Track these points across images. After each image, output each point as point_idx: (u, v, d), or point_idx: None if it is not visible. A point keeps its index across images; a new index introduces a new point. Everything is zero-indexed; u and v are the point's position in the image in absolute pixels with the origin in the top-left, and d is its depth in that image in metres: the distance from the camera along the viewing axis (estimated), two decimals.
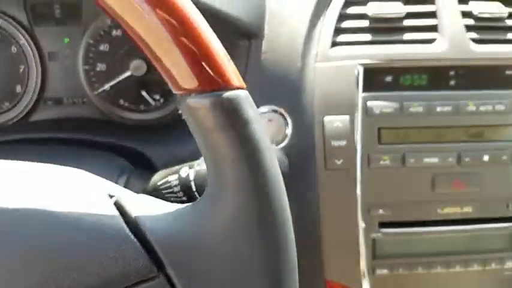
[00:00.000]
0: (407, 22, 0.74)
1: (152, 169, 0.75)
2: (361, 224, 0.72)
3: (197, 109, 0.32)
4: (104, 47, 0.88)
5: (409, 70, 0.73)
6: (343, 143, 0.72)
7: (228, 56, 0.34)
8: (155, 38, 0.30)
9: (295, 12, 0.74)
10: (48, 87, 0.94)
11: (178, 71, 0.31)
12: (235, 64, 0.78)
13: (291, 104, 0.73)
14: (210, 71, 0.31)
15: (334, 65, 0.73)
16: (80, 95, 0.94)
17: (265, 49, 0.74)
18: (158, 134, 0.86)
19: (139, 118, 0.95)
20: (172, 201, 0.57)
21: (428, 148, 0.72)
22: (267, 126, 0.77)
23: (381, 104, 0.72)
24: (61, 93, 0.95)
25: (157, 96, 0.95)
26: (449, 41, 0.72)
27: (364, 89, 0.72)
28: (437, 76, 0.73)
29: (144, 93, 0.93)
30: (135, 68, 0.91)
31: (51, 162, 0.70)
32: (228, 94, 0.32)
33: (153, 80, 0.94)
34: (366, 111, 0.71)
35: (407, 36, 0.74)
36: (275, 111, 0.77)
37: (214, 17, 0.73)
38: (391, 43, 0.74)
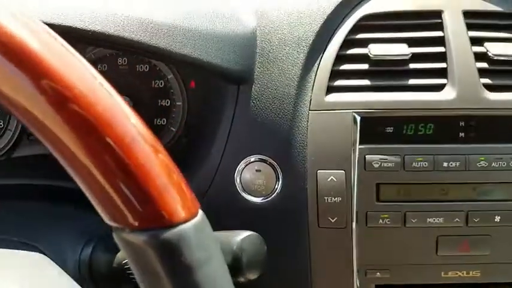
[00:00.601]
0: (412, 65, 0.67)
1: None
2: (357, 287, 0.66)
3: (135, 246, 0.26)
4: None
5: (413, 120, 0.66)
6: (337, 199, 0.65)
7: (175, 172, 0.28)
8: (70, 154, 0.24)
9: (288, 54, 0.68)
10: None
11: (103, 203, 0.25)
12: (223, 110, 0.74)
13: (282, 155, 0.66)
14: (143, 203, 0.25)
15: (330, 114, 0.66)
16: None
17: (254, 94, 0.68)
18: None
19: None
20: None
21: (433, 207, 0.65)
22: (255, 177, 0.71)
23: (380, 158, 0.65)
24: None
25: None
26: (460, 87, 0.65)
27: (362, 141, 0.65)
28: (445, 127, 0.66)
29: None
30: None
31: (20, 220, 0.65)
32: (170, 233, 0.26)
33: (144, 119, 0.88)
34: (364, 165, 0.65)
35: (412, 81, 0.67)
36: (264, 160, 0.70)
37: (200, 68, 0.67)
38: (393, 89, 0.66)
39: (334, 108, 0.66)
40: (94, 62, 0.85)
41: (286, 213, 0.67)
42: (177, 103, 0.87)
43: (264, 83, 0.68)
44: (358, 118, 0.65)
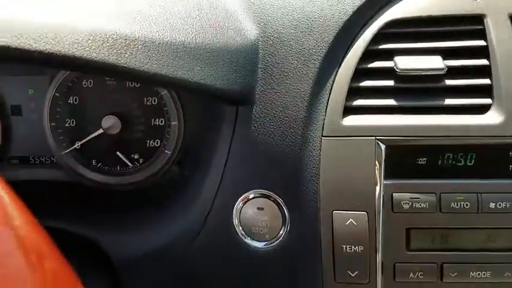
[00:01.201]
0: (449, 82, 0.55)
1: (107, 270, 0.60)
2: None
3: None
4: (72, 100, 0.77)
5: (451, 149, 0.54)
6: (359, 248, 0.54)
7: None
8: None
9: (297, 69, 0.56)
10: (12, 144, 0.82)
11: None
12: (219, 134, 0.63)
13: (289, 190, 0.56)
14: None
15: (347, 141, 0.55)
16: (48, 153, 0.81)
17: (256, 116, 0.57)
18: (129, 208, 0.70)
19: (114, 182, 0.80)
20: None
21: (477, 257, 0.53)
22: (256, 217, 0.60)
23: (411, 197, 0.53)
24: (27, 152, 0.83)
25: (135, 156, 0.81)
26: (508, 108, 0.52)
27: (388, 175, 0.54)
28: (491, 158, 0.54)
29: (119, 153, 0.79)
30: (108, 125, 0.76)
31: None
32: None
33: (131, 138, 0.79)
34: (391, 206, 0.53)
35: (449, 101, 0.55)
36: (267, 196, 0.58)
37: (189, 90, 0.56)
38: (425, 111, 0.54)
39: (352, 134, 0.54)
40: (78, 78, 0.76)
41: (295, 263, 0.56)
42: (173, 123, 0.76)
43: (267, 104, 0.56)
44: (383, 147, 0.53)
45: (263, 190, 0.57)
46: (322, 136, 0.55)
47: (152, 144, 0.78)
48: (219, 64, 0.54)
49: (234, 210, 0.58)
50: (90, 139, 0.77)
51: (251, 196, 0.57)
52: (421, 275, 0.53)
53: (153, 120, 0.77)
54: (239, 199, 0.58)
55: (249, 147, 0.58)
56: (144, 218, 0.64)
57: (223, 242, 0.59)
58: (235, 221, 0.59)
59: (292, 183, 0.55)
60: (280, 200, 0.57)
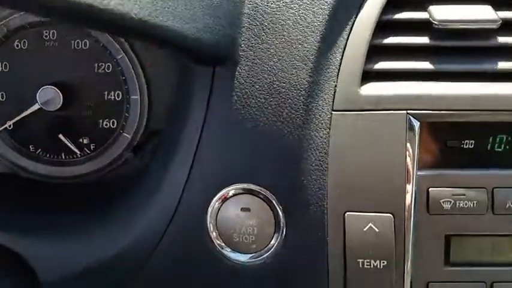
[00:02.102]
0: (503, 39, 0.43)
1: None
2: None
3: None
4: (1, 67, 0.62)
5: (508, 129, 0.43)
6: (381, 263, 0.40)
7: None
8: None
9: (297, 17, 0.43)
10: None
11: None
12: (189, 107, 0.48)
13: (284, 185, 0.44)
14: None
15: (367, 116, 0.41)
16: None
17: (239, 82, 0.43)
18: (73, 212, 0.55)
19: (56, 174, 0.65)
20: None
21: None
22: (240, 221, 0.45)
23: (453, 194, 0.40)
24: None
25: (84, 141, 0.65)
26: None
27: (424, 164, 0.43)
28: None
29: (62, 137, 0.63)
30: (45, 98, 0.60)
31: None
32: None
33: (78, 117, 0.64)
34: (427, 205, 0.42)
35: (503, 65, 0.43)
36: (254, 193, 0.43)
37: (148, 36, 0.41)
38: (472, 78, 0.43)
39: (374, 106, 0.43)
40: (7, 37, 0.60)
41: (292, 285, 0.44)
42: (133, 97, 0.61)
43: (255, 64, 0.43)
44: (417, 124, 0.40)
45: (248, 184, 0.43)
46: (333, 110, 0.42)
47: (106, 125, 0.62)
48: (192, 6, 0.39)
49: (209, 211, 0.43)
50: (24, 117, 0.61)
51: (232, 193, 0.43)
52: None
53: (106, 94, 0.61)
54: (216, 197, 0.43)
55: (229, 125, 0.43)
56: (86, 223, 0.49)
57: (192, 255, 0.44)
58: (210, 227, 0.43)
59: (289, 175, 0.43)
60: (272, 198, 0.42)
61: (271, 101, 0.43)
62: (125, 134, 0.62)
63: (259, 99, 0.43)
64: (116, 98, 0.62)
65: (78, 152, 0.63)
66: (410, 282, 0.42)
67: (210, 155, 0.43)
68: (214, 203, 0.44)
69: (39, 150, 0.64)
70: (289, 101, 0.43)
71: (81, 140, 0.64)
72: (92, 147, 0.64)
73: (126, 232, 0.47)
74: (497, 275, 0.42)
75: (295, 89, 0.42)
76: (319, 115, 0.43)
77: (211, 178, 0.43)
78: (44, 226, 0.50)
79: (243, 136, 0.43)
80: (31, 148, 0.64)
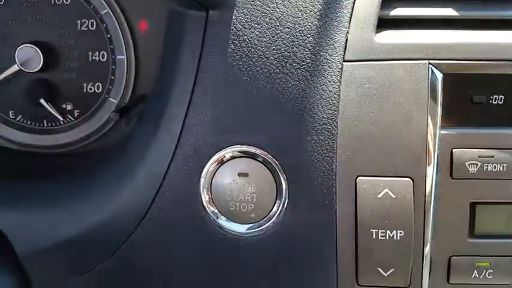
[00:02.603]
0: None
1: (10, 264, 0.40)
2: None
3: None
4: None
5: None
6: (397, 233, 0.35)
7: None
8: None
9: None
10: None
11: None
12: (179, 58, 0.42)
13: (288, 146, 0.39)
14: None
15: (383, 68, 0.36)
16: None
17: (236, 28, 0.37)
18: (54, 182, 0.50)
19: (38, 143, 0.60)
20: None
21: None
22: (237, 187, 0.40)
23: (480, 154, 0.36)
24: None
25: (68, 106, 0.60)
26: None
27: (447, 121, 0.38)
28: None
29: (43, 101, 0.58)
30: (24, 57, 0.55)
31: None
32: None
33: (60, 80, 0.59)
34: (450, 168, 0.37)
35: None
36: (252, 155, 0.38)
37: None
38: (499, 25, 0.38)
39: (391, 56, 0.36)
40: None
41: (295, 258, 0.39)
42: (119, 57, 0.56)
43: (254, 7, 0.36)
44: (440, 76, 0.35)
45: (247, 146, 0.38)
46: (344, 61, 0.36)
47: (91, 89, 0.57)
48: None
49: (202, 177, 0.38)
50: (2, 81, 0.56)
51: (228, 155, 0.38)
52: (489, 274, 0.36)
53: (91, 54, 0.56)
54: (210, 161, 0.38)
55: (224, 79, 0.38)
56: (68, 191, 0.44)
57: (184, 225, 0.39)
58: (204, 195, 0.39)
59: (292, 135, 0.37)
60: (273, 161, 0.38)
61: (273, 49, 0.37)
62: (110, 99, 0.57)
63: (259, 47, 0.37)
64: (101, 58, 0.57)
65: (61, 119, 0.58)
66: (431, 257, 0.38)
67: (203, 113, 0.38)
68: (209, 167, 0.39)
69: (20, 117, 0.59)
70: (294, 49, 0.37)
71: (64, 106, 0.59)
72: (76, 113, 0.58)
73: (112, 199, 0.42)
74: None
75: (301, 36, 0.37)
76: (329, 66, 0.37)
77: (205, 139, 0.38)
78: (22, 194, 0.45)
79: (241, 91, 0.38)
80: (11, 115, 0.59)
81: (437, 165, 0.37)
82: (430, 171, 0.37)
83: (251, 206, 0.40)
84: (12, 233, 0.42)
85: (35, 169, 0.56)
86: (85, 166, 0.51)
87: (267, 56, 0.37)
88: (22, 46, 0.54)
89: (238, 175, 0.39)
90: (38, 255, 0.43)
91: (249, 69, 0.37)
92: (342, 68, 0.38)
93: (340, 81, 0.37)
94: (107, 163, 0.47)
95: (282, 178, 0.39)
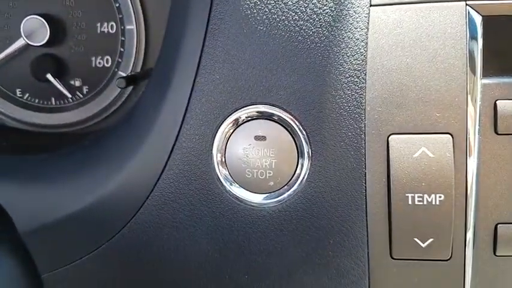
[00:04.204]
0: None
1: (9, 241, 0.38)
2: None
3: None
4: None
5: None
6: (436, 198, 0.32)
7: None
8: None
9: None
10: None
11: None
12: (187, 16, 0.39)
13: (309, 104, 0.36)
14: None
15: (415, 11, 0.32)
16: None
17: None
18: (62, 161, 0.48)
19: (46, 122, 0.58)
20: None
21: None
22: (254, 152, 0.37)
23: None
24: None
25: (76, 82, 0.58)
26: None
27: (490, 70, 0.34)
28: None
29: (50, 77, 0.56)
30: (30, 30, 0.54)
31: None
32: None
33: (68, 54, 0.57)
34: (495, 122, 0.33)
35: None
36: (270, 117, 0.35)
37: None
38: None
39: None
40: None
41: (320, 230, 0.36)
42: (128, 27, 0.54)
43: None
44: (479, 19, 0.31)
45: (263, 106, 0.35)
46: (371, 5, 0.33)
47: (100, 63, 0.55)
48: None
49: (216, 142, 0.36)
50: (8, 55, 0.54)
51: (244, 117, 0.35)
52: None
53: (99, 26, 0.54)
54: (223, 123, 0.36)
55: (238, 28, 0.34)
56: (71, 164, 0.42)
57: (196, 195, 0.36)
58: (217, 161, 0.36)
59: (314, 91, 0.34)
60: (294, 122, 0.34)
61: None
62: (120, 73, 0.55)
63: None
64: (110, 30, 0.55)
65: (70, 96, 0.57)
66: (474, 226, 0.34)
67: (214, 71, 0.35)
68: (222, 131, 0.36)
69: (27, 95, 0.57)
70: None
71: (72, 82, 0.57)
72: (84, 90, 0.57)
73: (119, 172, 0.40)
74: None
75: None
76: (354, 11, 0.34)
77: (217, 100, 0.35)
78: (24, 168, 0.43)
79: (256, 43, 0.35)
80: (18, 93, 0.57)
81: (479, 119, 0.33)
82: (472, 126, 0.32)
83: (270, 173, 0.36)
84: (12, 208, 0.40)
85: (40, 146, 0.55)
86: (91, 141, 0.49)
87: (284, 1, 0.34)
88: (28, 17, 0.53)
89: (255, 138, 0.36)
90: (40, 232, 0.41)
91: (264, 17, 0.34)
92: (369, 13, 0.34)
93: (367, 28, 0.34)
94: (113, 135, 0.44)
95: (303, 141, 0.35)
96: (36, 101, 0.57)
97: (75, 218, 0.40)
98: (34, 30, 0.53)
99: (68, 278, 0.41)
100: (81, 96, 0.56)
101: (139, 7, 0.52)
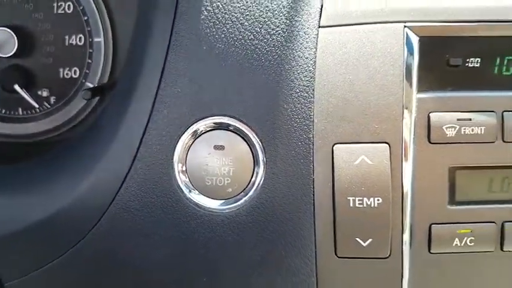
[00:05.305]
0: None
1: None
2: None
3: None
4: None
5: None
6: (375, 201, 0.36)
7: None
8: None
9: None
10: None
11: None
12: (151, 30, 0.43)
13: (263, 116, 0.39)
14: None
15: (358, 32, 0.37)
16: None
17: None
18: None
19: (13, 132, 0.60)
20: None
21: None
22: (213, 160, 0.39)
23: (459, 118, 0.36)
24: None
25: (44, 93, 0.60)
26: None
27: (424, 85, 0.39)
28: None
29: (18, 87, 0.58)
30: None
31: None
32: None
33: (35, 65, 0.59)
34: (428, 132, 0.38)
35: None
36: (228, 127, 0.39)
37: None
38: None
39: (366, 20, 0.37)
40: None
41: (273, 231, 0.40)
42: (96, 39, 0.56)
43: None
44: (416, 39, 0.36)
45: (221, 117, 0.38)
46: (320, 26, 0.37)
47: (68, 74, 0.58)
48: None
49: (176, 151, 0.39)
50: None
51: (202, 128, 0.38)
52: (471, 241, 0.37)
53: (67, 38, 0.57)
54: (184, 134, 0.39)
55: (197, 47, 0.38)
56: (37, 174, 0.44)
57: (158, 202, 0.39)
58: (178, 169, 0.39)
59: (268, 104, 0.38)
60: (249, 132, 0.38)
61: (247, 15, 0.38)
62: (88, 84, 0.58)
63: (233, 13, 0.38)
64: (78, 42, 0.57)
65: (37, 106, 0.59)
66: (411, 226, 0.38)
67: (175, 84, 0.39)
68: (183, 141, 0.39)
69: None
70: (269, 14, 0.38)
71: (40, 92, 0.59)
72: (52, 100, 0.59)
73: (83, 181, 0.42)
74: (509, 214, 0.38)
75: (275, 1, 0.38)
76: (304, 32, 0.38)
77: (178, 112, 0.39)
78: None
79: (215, 58, 0.38)
80: None
81: (414, 130, 0.37)
82: (407, 136, 0.37)
83: (228, 180, 0.40)
84: None
85: (6, 155, 0.57)
86: (58, 150, 0.51)
87: (241, 22, 0.38)
88: None
89: (214, 148, 0.40)
90: (4, 241, 0.43)
91: (223, 36, 0.38)
92: (317, 34, 0.38)
93: (316, 48, 0.38)
94: (79, 144, 0.47)
95: (259, 150, 0.39)
96: (4, 111, 0.59)
97: (39, 227, 0.42)
98: (2, 42, 0.55)
99: (31, 286, 0.43)
100: (48, 106, 0.58)
101: (107, 20, 0.55)
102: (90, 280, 0.43)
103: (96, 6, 0.55)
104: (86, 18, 0.55)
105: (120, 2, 0.54)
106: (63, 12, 0.56)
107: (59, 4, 0.56)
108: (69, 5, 0.56)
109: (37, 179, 0.44)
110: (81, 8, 0.55)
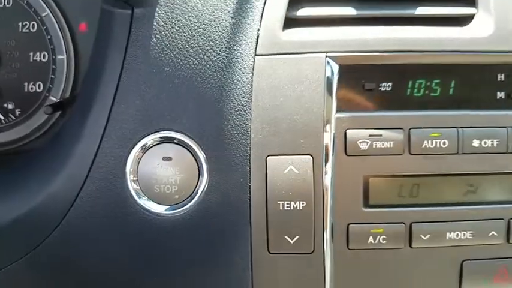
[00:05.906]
0: None
1: None
2: None
3: None
4: None
5: (424, 71, 0.46)
6: (300, 204, 0.42)
7: None
8: None
9: None
10: None
11: None
12: (107, 55, 0.47)
13: (207, 130, 0.45)
14: None
15: (288, 60, 0.43)
16: None
17: (158, 25, 0.44)
18: None
19: None
20: None
21: (455, 214, 0.45)
22: (162, 171, 0.44)
23: (371, 134, 0.43)
24: None
25: (9, 105, 0.64)
26: (498, 18, 0.45)
27: (342, 106, 0.45)
28: (475, 83, 0.45)
29: None
30: None
31: None
32: None
33: (2, 81, 0.63)
34: (344, 146, 0.44)
35: (422, 10, 0.46)
36: (175, 140, 0.44)
37: None
38: (393, 22, 0.46)
39: (295, 50, 0.43)
40: None
41: (214, 233, 0.46)
42: (59, 57, 0.61)
43: (175, 6, 0.44)
44: (336, 67, 0.42)
45: (169, 132, 0.44)
46: (256, 54, 0.43)
47: (32, 88, 0.62)
48: None
49: (128, 163, 0.44)
50: None
51: (150, 142, 0.43)
52: (383, 239, 0.43)
53: (32, 55, 0.61)
54: (135, 147, 0.44)
55: (148, 70, 0.44)
56: (1, 180, 0.49)
57: (109, 212, 0.44)
58: (129, 179, 0.44)
59: (211, 120, 0.43)
60: (194, 145, 0.44)
61: (192, 43, 0.44)
62: (51, 97, 0.62)
63: (179, 41, 0.44)
64: (42, 59, 0.62)
65: (2, 118, 0.63)
66: (332, 225, 0.44)
67: (128, 103, 0.44)
68: (134, 153, 0.45)
69: None
70: (211, 43, 0.44)
71: (5, 105, 0.63)
72: (17, 112, 0.63)
73: (42, 191, 0.46)
74: (416, 216, 0.44)
75: (217, 32, 0.44)
76: (242, 59, 0.44)
77: (130, 128, 0.43)
78: None
79: (163, 81, 0.44)
80: None
81: (333, 144, 0.43)
82: (327, 149, 0.43)
83: (175, 188, 0.45)
84: None
85: None
86: (20, 161, 0.55)
87: (186, 49, 0.44)
88: None
89: (163, 159, 0.45)
90: None
91: (170, 61, 0.44)
92: (254, 61, 0.44)
93: (252, 73, 0.44)
94: (40, 155, 0.51)
95: (203, 160, 0.45)
96: None
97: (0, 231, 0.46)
98: None
99: None
100: (13, 118, 0.62)
101: (70, 39, 0.60)
102: (47, 284, 0.47)
103: (59, 27, 0.59)
104: (49, 37, 0.60)
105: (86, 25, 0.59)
106: (27, 31, 0.60)
107: (24, 23, 0.60)
108: (33, 24, 0.60)
109: (1, 188, 0.48)
110: (44, 27, 0.60)
